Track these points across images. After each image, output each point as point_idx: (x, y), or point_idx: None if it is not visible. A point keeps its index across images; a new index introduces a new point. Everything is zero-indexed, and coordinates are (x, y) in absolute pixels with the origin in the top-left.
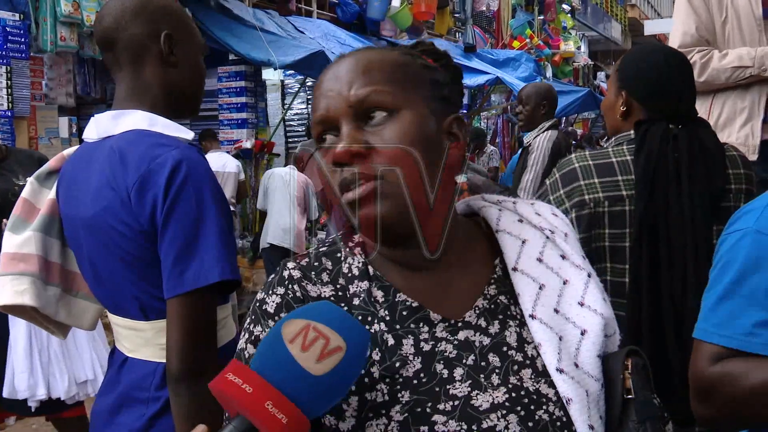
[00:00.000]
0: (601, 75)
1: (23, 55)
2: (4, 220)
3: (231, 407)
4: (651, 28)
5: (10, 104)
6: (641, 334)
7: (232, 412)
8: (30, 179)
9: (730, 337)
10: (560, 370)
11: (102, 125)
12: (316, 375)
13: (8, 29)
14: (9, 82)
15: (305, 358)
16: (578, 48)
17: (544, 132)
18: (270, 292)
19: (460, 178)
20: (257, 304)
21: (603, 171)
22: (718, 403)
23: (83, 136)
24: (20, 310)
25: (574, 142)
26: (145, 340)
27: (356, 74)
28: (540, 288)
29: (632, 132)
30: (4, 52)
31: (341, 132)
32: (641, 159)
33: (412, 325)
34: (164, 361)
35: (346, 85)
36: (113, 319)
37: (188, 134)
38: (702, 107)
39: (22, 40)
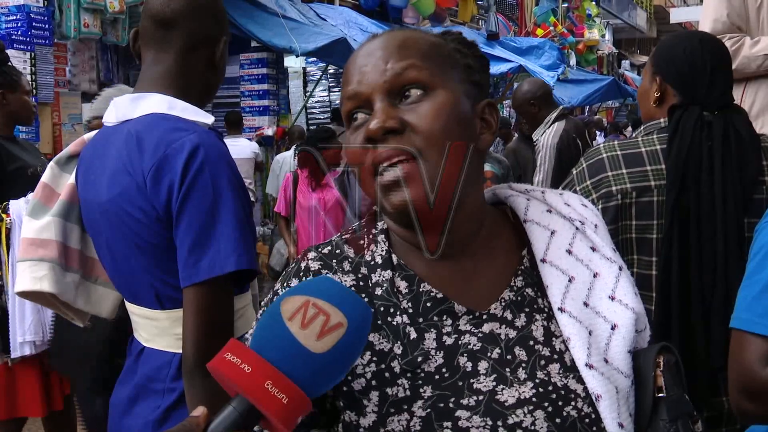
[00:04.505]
0: (625, 63)
1: (47, 41)
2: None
3: (231, 388)
4: (677, 15)
5: (34, 90)
6: (670, 327)
7: (232, 392)
8: (50, 164)
9: None
10: (589, 366)
11: (121, 109)
12: (317, 353)
13: (32, 16)
14: (33, 68)
15: (305, 336)
16: (603, 36)
17: (549, 126)
18: (285, 284)
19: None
20: (273, 296)
21: (631, 161)
22: None
23: (103, 120)
24: (39, 297)
25: (599, 130)
26: (161, 330)
27: (392, 50)
28: (569, 280)
29: (662, 120)
30: (28, 39)
31: (374, 108)
32: (674, 147)
33: (435, 318)
34: (180, 351)
35: (382, 60)
36: (130, 307)
37: (208, 118)
38: (734, 96)
39: (46, 26)
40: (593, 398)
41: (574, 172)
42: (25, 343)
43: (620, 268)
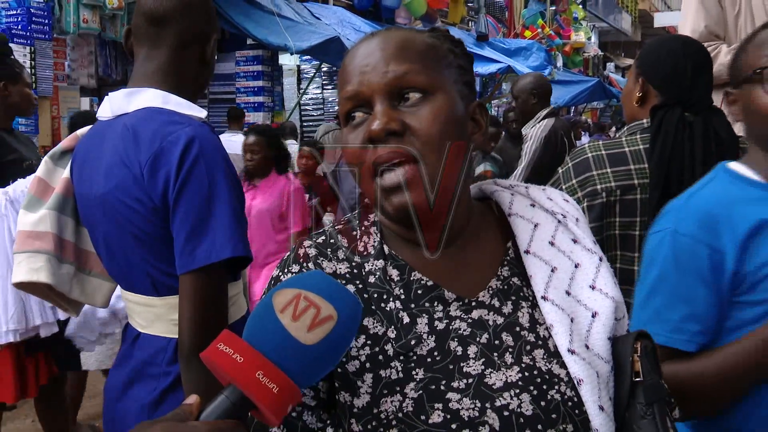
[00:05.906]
0: (610, 66)
1: (46, 36)
2: None
3: (223, 377)
4: (661, 20)
5: (33, 84)
6: None
7: (225, 382)
8: (45, 159)
9: (656, 334)
10: (572, 351)
11: (116, 103)
12: (307, 344)
13: (32, 11)
14: (32, 62)
15: (296, 328)
16: (589, 39)
17: (540, 122)
18: (285, 270)
19: (483, 167)
20: (272, 282)
21: (616, 160)
22: None
23: (97, 115)
24: (35, 288)
25: (583, 131)
26: (157, 316)
27: (392, 52)
28: (552, 270)
29: (645, 121)
30: (28, 33)
31: (375, 110)
32: (657, 147)
33: (427, 304)
34: (176, 336)
35: (382, 61)
36: (126, 295)
37: (201, 112)
38: (715, 103)
39: (46, 21)
40: (575, 382)
41: (560, 171)
42: (9, 331)
43: (600, 259)
